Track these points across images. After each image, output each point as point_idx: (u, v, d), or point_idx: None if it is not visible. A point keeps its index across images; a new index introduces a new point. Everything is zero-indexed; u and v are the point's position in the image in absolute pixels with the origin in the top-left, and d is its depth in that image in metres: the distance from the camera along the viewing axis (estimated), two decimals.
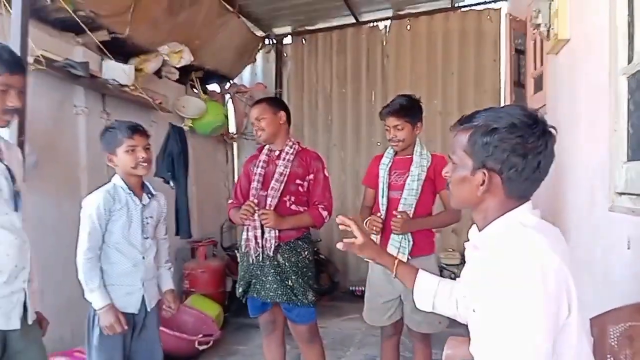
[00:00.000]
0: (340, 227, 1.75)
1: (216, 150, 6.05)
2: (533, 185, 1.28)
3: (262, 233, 2.70)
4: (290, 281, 2.70)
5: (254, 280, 2.76)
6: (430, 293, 1.65)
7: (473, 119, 1.29)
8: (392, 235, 2.65)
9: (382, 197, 2.77)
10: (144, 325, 2.40)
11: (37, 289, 1.99)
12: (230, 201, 2.94)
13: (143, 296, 2.36)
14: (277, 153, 2.79)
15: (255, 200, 2.70)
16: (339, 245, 1.71)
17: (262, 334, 2.96)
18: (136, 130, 2.32)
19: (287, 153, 2.76)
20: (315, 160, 2.82)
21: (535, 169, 1.23)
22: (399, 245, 2.63)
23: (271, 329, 2.90)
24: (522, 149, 1.21)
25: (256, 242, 2.70)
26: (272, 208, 2.67)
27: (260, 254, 2.70)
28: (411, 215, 2.66)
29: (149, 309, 2.40)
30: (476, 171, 1.27)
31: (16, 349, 1.82)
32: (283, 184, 2.71)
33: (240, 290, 2.83)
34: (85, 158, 3.71)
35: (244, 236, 2.77)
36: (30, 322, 1.88)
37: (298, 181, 2.75)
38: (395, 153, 2.81)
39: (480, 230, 1.34)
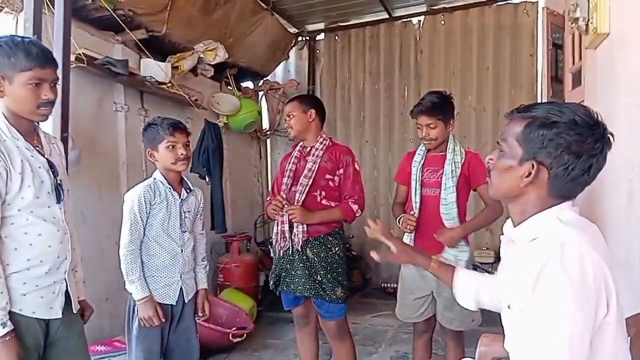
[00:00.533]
0: (368, 233, 1.75)
1: (249, 147, 6.12)
2: (577, 187, 1.25)
3: (291, 228, 2.74)
4: (318, 276, 2.73)
5: (283, 274, 2.81)
6: (471, 290, 1.64)
7: (532, 109, 1.25)
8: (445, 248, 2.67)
9: (415, 195, 2.76)
10: (182, 316, 2.47)
11: (81, 278, 2.07)
12: (268, 198, 2.99)
13: (181, 288, 2.44)
14: (308, 149, 2.83)
15: (284, 195, 2.76)
16: (374, 257, 1.70)
17: (295, 328, 3.01)
18: (177, 127, 2.39)
19: (316, 149, 2.80)
20: (345, 155, 2.83)
21: (584, 172, 1.21)
22: (454, 256, 2.66)
23: (304, 323, 2.94)
24: (577, 148, 1.18)
25: (283, 237, 2.75)
26: (299, 203, 2.72)
27: (290, 248, 2.75)
28: (456, 215, 2.66)
29: (186, 301, 2.47)
30: (524, 162, 1.24)
31: (57, 337, 1.88)
32: (311, 180, 2.74)
33: (272, 282, 2.89)
34: (125, 154, 3.82)
35: (274, 230, 2.82)
36: (74, 311, 1.94)
37: (328, 176, 2.78)
38: (428, 150, 2.80)
39: (515, 225, 1.32)
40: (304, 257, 2.74)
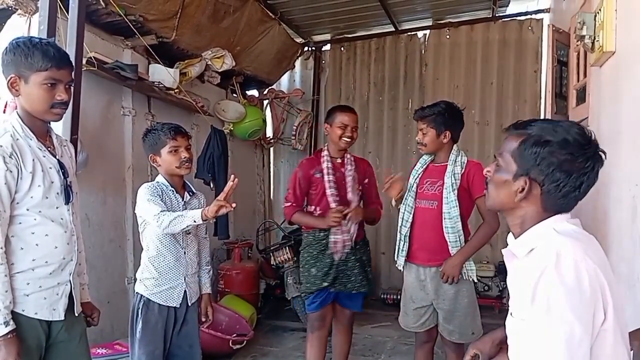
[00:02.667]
0: None
1: (253, 155, 6.15)
2: (570, 202, 1.28)
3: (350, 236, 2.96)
4: (368, 273, 3.08)
5: (340, 275, 2.99)
6: None
7: (528, 126, 1.29)
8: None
9: (406, 206, 2.76)
10: (185, 320, 2.47)
11: (85, 281, 2.07)
12: (288, 204, 3.08)
13: (185, 291, 2.44)
14: (339, 161, 3.02)
15: (341, 207, 2.89)
16: None
17: (309, 331, 3.10)
18: (178, 131, 2.43)
19: (348, 159, 3.04)
20: (368, 167, 3.19)
21: (575, 189, 1.24)
22: (464, 273, 2.67)
23: (320, 326, 3.04)
24: (568, 167, 1.22)
25: (344, 245, 2.94)
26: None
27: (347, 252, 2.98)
28: (460, 229, 2.66)
29: (189, 304, 2.48)
30: (518, 177, 1.28)
31: (59, 339, 1.88)
32: (358, 185, 3.03)
33: (326, 283, 2.98)
34: (131, 158, 3.83)
35: (332, 239, 2.94)
36: (76, 313, 1.94)
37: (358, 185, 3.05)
38: (432, 160, 2.80)
39: (515, 238, 1.35)
40: (357, 256, 3.00)
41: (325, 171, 2.96)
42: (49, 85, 1.74)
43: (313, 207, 3.04)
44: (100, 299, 3.26)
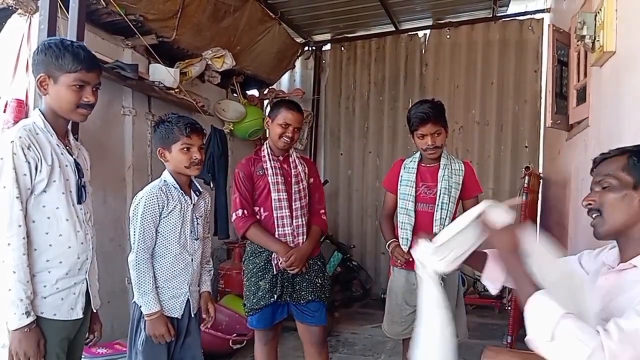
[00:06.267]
0: None
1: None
2: None
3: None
4: (323, 280, 2.78)
5: (286, 284, 2.74)
6: None
7: (619, 149, 1.37)
8: None
9: (407, 213, 2.64)
10: (188, 331, 2.31)
11: (97, 288, 2.06)
12: (239, 213, 2.69)
13: (188, 300, 2.28)
14: (281, 158, 2.78)
15: (291, 254, 2.63)
16: None
17: (260, 343, 2.87)
18: (194, 128, 2.24)
19: (293, 158, 2.82)
20: (314, 167, 2.99)
21: None
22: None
23: (268, 340, 2.84)
24: None
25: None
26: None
27: None
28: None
29: (192, 314, 2.32)
30: (639, 187, 1.32)
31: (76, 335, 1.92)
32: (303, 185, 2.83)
33: (275, 297, 2.76)
34: (131, 158, 3.82)
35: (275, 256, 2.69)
36: (95, 309, 2.00)
37: None
38: (420, 160, 2.73)
39: (626, 253, 1.37)
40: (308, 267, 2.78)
41: (269, 171, 2.66)
42: (78, 87, 1.79)
43: (257, 208, 2.72)
44: (101, 299, 3.24)
